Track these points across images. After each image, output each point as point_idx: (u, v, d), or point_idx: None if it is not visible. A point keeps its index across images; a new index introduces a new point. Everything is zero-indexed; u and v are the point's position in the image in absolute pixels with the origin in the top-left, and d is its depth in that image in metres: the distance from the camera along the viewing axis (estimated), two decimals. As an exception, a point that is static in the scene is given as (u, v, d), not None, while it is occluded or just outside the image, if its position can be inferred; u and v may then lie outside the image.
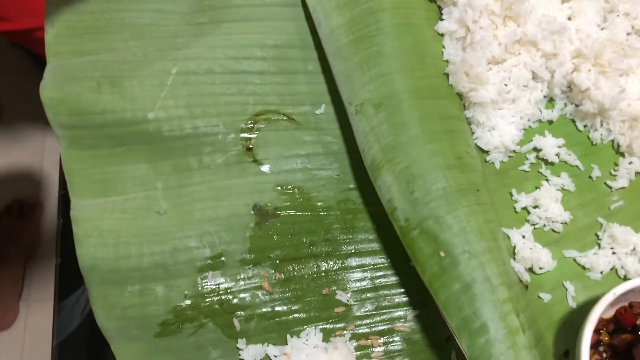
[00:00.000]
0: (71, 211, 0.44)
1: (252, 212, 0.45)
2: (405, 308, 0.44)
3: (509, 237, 0.44)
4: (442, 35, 0.48)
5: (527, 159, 0.47)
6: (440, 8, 0.49)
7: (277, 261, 0.44)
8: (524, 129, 0.47)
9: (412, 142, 0.42)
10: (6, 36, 0.92)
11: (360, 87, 0.45)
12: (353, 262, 0.45)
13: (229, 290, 0.43)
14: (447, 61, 0.47)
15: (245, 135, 0.47)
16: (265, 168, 0.47)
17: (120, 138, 0.46)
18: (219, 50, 0.49)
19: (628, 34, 0.48)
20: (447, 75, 0.46)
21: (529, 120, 0.47)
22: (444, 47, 0.47)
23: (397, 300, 0.44)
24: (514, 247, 0.44)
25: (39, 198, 1.31)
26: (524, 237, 0.44)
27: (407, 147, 0.42)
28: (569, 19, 0.48)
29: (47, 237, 1.27)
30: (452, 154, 0.42)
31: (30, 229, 1.25)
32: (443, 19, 0.48)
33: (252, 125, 0.48)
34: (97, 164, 0.46)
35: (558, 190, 0.46)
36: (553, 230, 0.45)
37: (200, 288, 0.43)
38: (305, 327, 0.43)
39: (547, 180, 0.46)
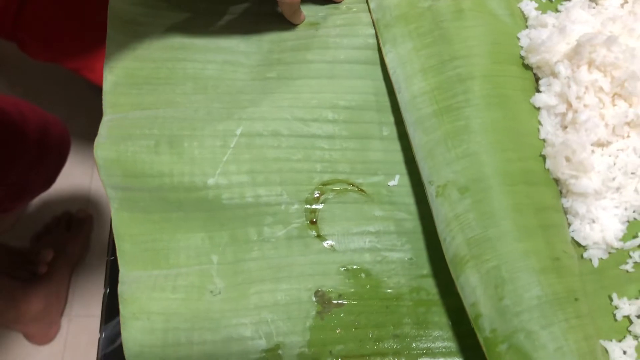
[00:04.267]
0: (119, 285, 0.40)
1: (314, 299, 0.40)
2: None
3: (607, 351, 0.38)
4: (538, 109, 0.42)
5: (630, 257, 0.40)
6: (537, 77, 0.44)
7: (339, 358, 0.39)
8: (628, 222, 0.41)
9: (503, 237, 0.37)
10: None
11: (443, 165, 0.40)
12: None
13: None
14: (543, 140, 0.41)
15: (310, 206, 0.43)
16: (329, 245, 0.42)
17: (177, 203, 0.42)
18: (287, 111, 0.45)
19: None
20: (543, 157, 0.41)
21: (634, 212, 0.41)
22: (540, 123, 0.42)
23: None
24: (614, 364, 0.38)
25: (88, 211, 1.31)
26: (625, 352, 0.38)
27: (497, 243, 0.37)
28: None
29: (93, 254, 1.26)
30: (548, 255, 0.37)
31: (77, 244, 1.24)
32: (541, 91, 0.42)
33: (318, 195, 0.43)
34: (149, 230, 0.42)
35: (668, 297, 0.39)
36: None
37: (252, 384, 0.38)
38: None
39: (654, 283, 0.40)
